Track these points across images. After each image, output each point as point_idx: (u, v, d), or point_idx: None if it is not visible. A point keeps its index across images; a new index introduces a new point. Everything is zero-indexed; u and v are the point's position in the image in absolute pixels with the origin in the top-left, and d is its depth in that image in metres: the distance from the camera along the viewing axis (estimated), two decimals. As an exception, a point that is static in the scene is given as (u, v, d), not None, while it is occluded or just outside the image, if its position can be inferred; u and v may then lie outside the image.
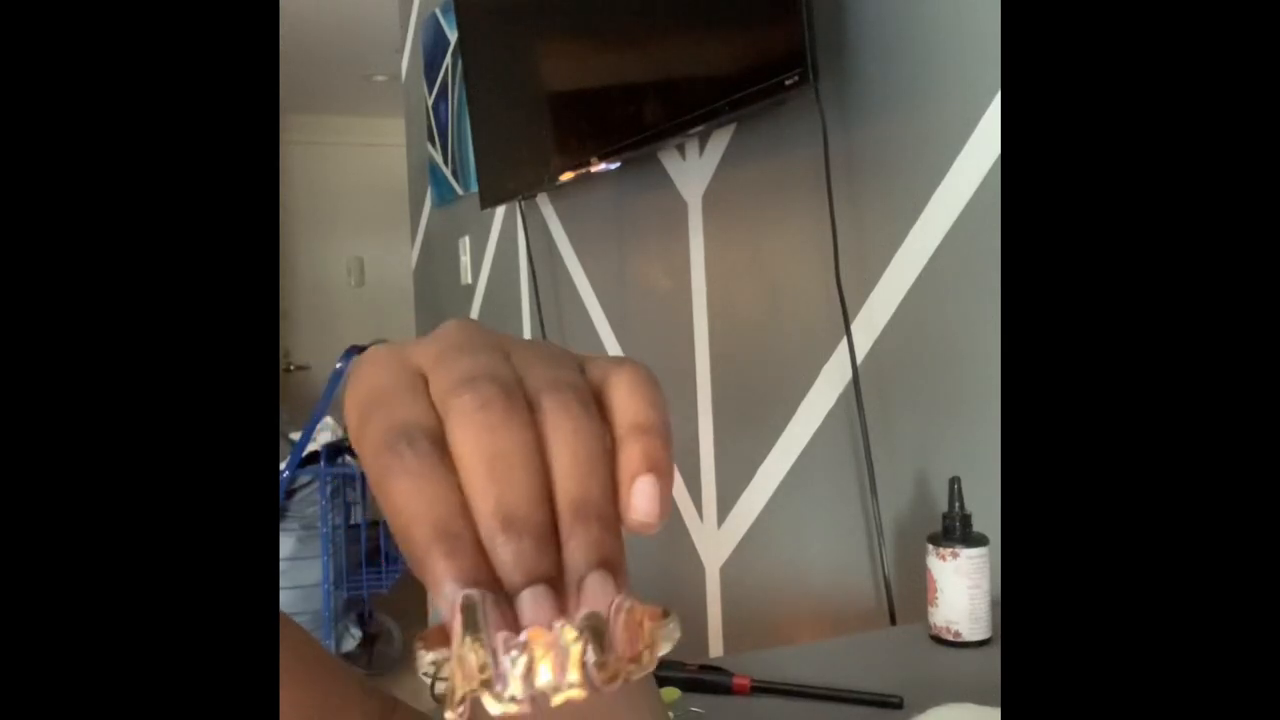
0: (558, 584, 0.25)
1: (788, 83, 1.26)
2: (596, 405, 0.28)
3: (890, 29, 1.29)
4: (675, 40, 1.55)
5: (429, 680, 0.26)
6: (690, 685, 0.93)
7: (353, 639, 3.33)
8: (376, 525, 3.31)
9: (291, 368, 5.56)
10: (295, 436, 3.21)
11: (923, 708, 0.81)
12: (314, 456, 3.17)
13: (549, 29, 1.95)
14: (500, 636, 0.24)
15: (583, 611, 0.24)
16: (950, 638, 1.00)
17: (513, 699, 0.23)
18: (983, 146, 1.17)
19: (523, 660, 0.23)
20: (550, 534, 0.25)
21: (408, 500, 0.25)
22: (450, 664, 0.24)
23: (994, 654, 0.98)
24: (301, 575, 3.14)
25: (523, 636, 0.24)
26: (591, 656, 0.23)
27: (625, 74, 1.68)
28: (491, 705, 0.24)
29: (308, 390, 5.31)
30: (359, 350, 2.99)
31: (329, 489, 3.14)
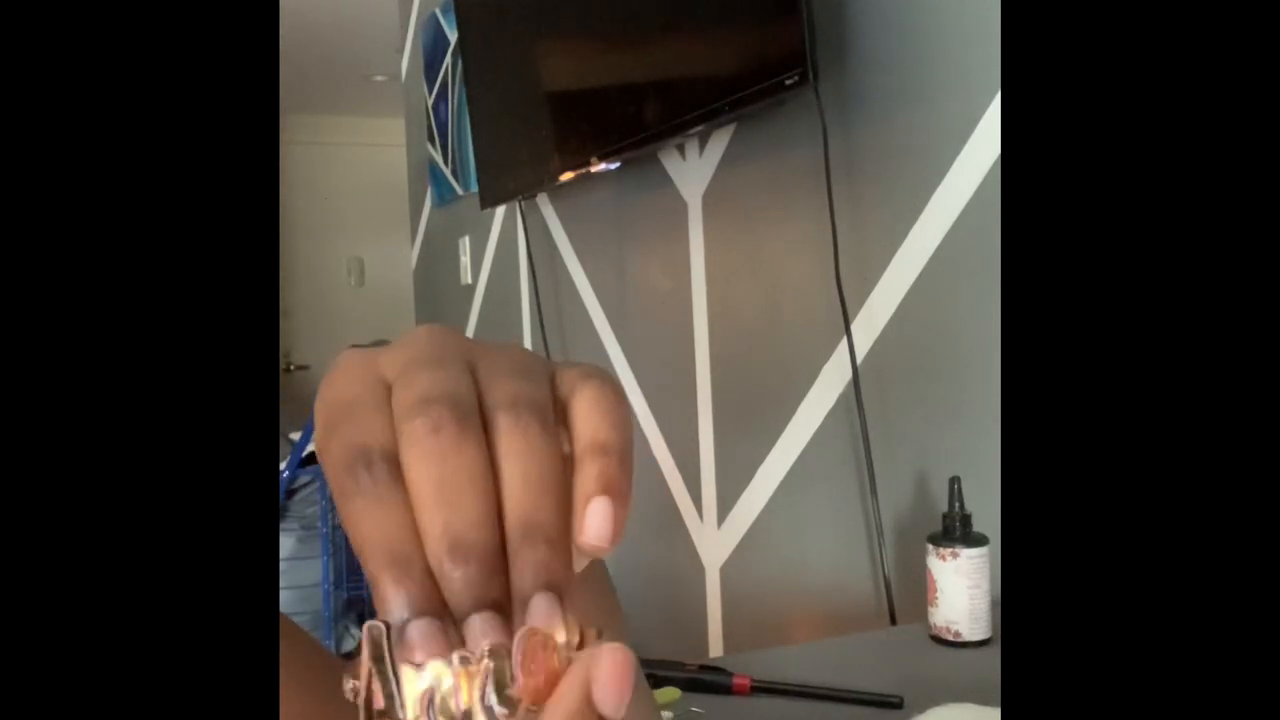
0: (508, 608, 0.25)
1: (788, 83, 1.26)
2: (561, 419, 0.27)
3: (890, 29, 1.29)
4: (675, 40, 1.55)
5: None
6: (690, 685, 0.93)
7: (353, 639, 3.33)
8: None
9: (291, 368, 5.56)
10: (295, 436, 3.21)
11: (923, 708, 0.81)
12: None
13: (549, 29, 1.95)
14: (403, 665, 0.24)
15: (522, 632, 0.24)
16: (950, 638, 1.00)
17: None
18: (983, 146, 1.17)
19: (422, 689, 0.24)
20: (500, 558, 0.25)
21: (361, 524, 0.25)
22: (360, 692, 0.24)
23: (994, 654, 0.98)
24: (301, 575, 3.14)
25: (425, 666, 0.24)
26: (490, 688, 0.24)
27: (625, 74, 1.68)
28: None
29: (308, 390, 5.31)
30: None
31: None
